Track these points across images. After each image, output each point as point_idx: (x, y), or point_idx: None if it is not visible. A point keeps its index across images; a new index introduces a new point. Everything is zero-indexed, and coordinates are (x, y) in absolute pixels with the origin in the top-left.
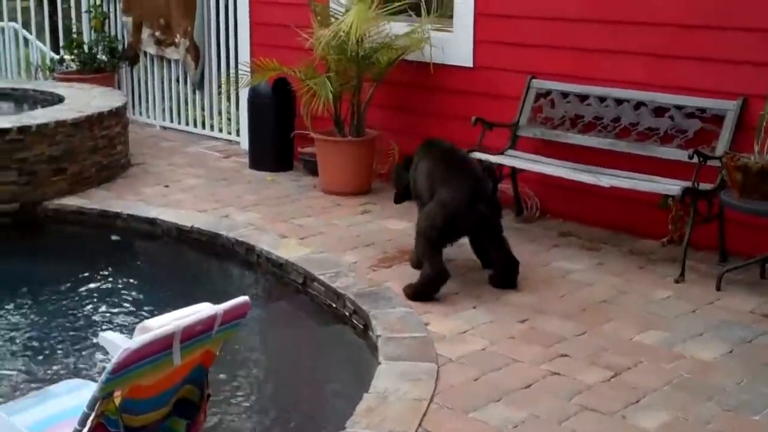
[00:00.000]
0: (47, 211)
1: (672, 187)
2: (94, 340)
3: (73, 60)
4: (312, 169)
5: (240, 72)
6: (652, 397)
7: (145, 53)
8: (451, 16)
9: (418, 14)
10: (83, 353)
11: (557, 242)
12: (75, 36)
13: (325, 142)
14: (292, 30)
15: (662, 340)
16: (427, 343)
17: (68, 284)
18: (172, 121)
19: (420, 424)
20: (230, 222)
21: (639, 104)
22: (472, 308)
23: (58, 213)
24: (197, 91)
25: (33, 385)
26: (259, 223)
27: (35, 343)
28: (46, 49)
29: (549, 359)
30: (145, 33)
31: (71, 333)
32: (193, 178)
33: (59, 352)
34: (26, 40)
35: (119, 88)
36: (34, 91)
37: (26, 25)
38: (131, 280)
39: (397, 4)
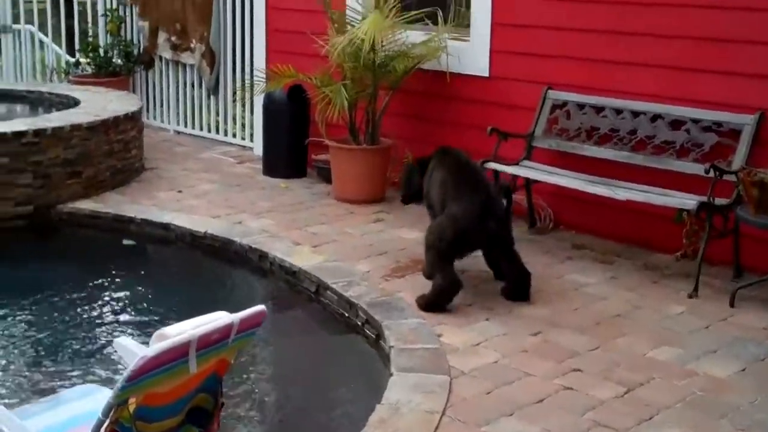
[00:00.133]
0: (61, 214)
1: (688, 201)
2: (107, 345)
3: (88, 63)
4: (325, 176)
5: (255, 78)
6: (665, 415)
7: (161, 58)
8: (468, 26)
9: (435, 23)
10: (96, 358)
11: (570, 254)
12: (91, 39)
13: (339, 150)
14: (308, 37)
15: (675, 357)
16: (440, 354)
17: (81, 288)
18: (186, 125)
19: None
20: (244, 228)
21: (655, 117)
22: (485, 320)
23: (72, 216)
24: (212, 96)
25: (45, 390)
26: (272, 230)
27: (48, 347)
28: (62, 52)
29: (562, 374)
30: (161, 38)
31: (84, 337)
32: (207, 183)
33: (72, 356)
34: (42, 43)
35: (134, 92)
36: (49, 93)
37: (42, 27)
38: (144, 286)
39: (413, 12)
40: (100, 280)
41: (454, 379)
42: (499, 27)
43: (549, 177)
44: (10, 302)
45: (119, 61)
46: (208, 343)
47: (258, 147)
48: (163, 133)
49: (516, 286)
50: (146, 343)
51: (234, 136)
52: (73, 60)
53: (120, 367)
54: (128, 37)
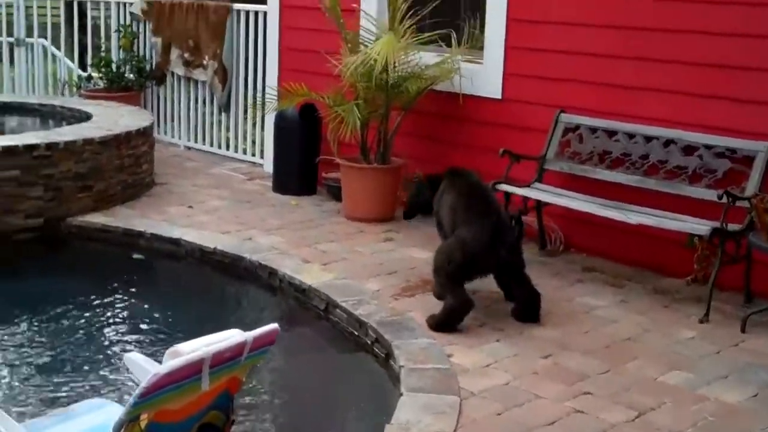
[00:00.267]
0: (71, 227)
1: (700, 226)
2: (117, 360)
3: (101, 78)
4: (335, 194)
5: (267, 96)
6: None
7: (173, 73)
8: (482, 48)
9: (449, 45)
10: (105, 372)
11: (581, 277)
12: (103, 54)
13: (350, 169)
14: (320, 56)
15: (686, 381)
16: (451, 375)
17: (90, 302)
18: (196, 141)
19: None
20: (253, 245)
21: (668, 142)
22: (496, 341)
23: (82, 230)
24: (223, 113)
25: (54, 404)
26: (282, 247)
27: (57, 361)
28: (74, 66)
29: (572, 396)
30: (174, 54)
31: (93, 352)
32: (217, 199)
33: (81, 370)
34: (54, 57)
35: (145, 107)
36: (61, 107)
37: (54, 41)
38: (153, 301)
39: (427, 34)
40: (109, 294)
41: (464, 400)
42: (512, 50)
43: (561, 200)
44: (19, 315)
45: (131, 76)
46: (221, 360)
47: (268, 164)
48: (174, 148)
49: (526, 307)
50: (156, 359)
51: (244, 152)
52: (85, 74)
53: (129, 381)
54: (141, 52)
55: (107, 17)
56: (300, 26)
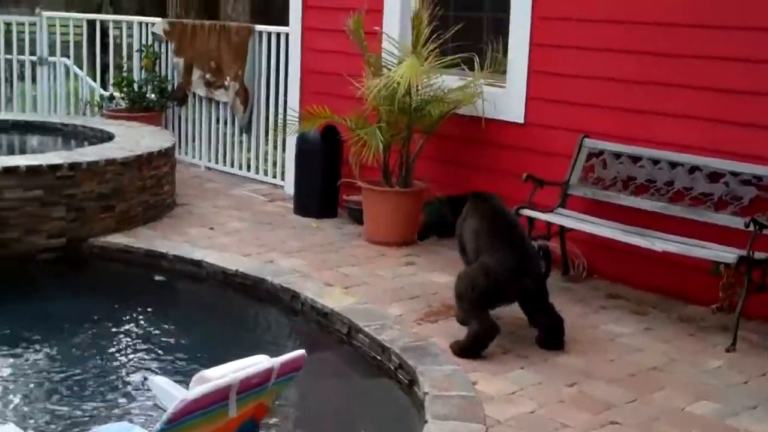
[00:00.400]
0: (93, 248)
1: (727, 254)
2: (140, 383)
3: (122, 98)
4: (356, 217)
5: (289, 118)
6: None
7: (194, 94)
8: (504, 72)
9: (471, 69)
10: (129, 395)
11: (605, 304)
12: (125, 74)
13: (371, 192)
14: (343, 78)
15: (715, 412)
16: (476, 403)
17: (113, 324)
18: (216, 162)
19: None
20: (275, 267)
21: (693, 168)
22: (520, 369)
23: (104, 250)
24: (244, 134)
25: (78, 427)
26: (303, 269)
27: (79, 383)
28: (96, 85)
29: (599, 426)
30: (196, 75)
31: (115, 374)
32: (238, 221)
33: (104, 393)
34: (76, 76)
35: (165, 127)
36: (83, 127)
37: (76, 60)
38: (176, 323)
39: (449, 57)
40: (131, 316)
41: (489, 428)
42: (535, 74)
43: (585, 226)
44: (42, 335)
45: (153, 96)
46: (248, 387)
47: (288, 186)
48: (194, 169)
49: (550, 334)
50: (179, 382)
51: (265, 174)
52: (107, 94)
53: (152, 404)
54: (163, 73)
55: (129, 36)
56: (322, 48)
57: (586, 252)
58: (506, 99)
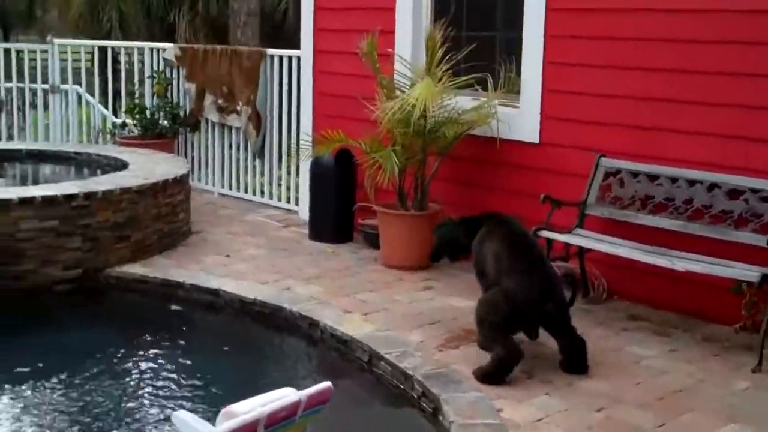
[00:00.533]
0: (109, 278)
1: (750, 273)
2: (158, 416)
3: (135, 125)
4: (372, 241)
5: (302, 143)
6: None
7: (206, 120)
8: (518, 92)
9: (485, 88)
10: (146, 429)
11: (626, 326)
12: (137, 101)
13: (387, 215)
14: (355, 101)
15: None
16: (502, 431)
17: (131, 355)
18: (230, 188)
19: None
20: (292, 295)
21: (713, 186)
22: (545, 395)
23: (120, 280)
24: (257, 159)
25: None
26: (321, 296)
27: (96, 416)
28: (108, 112)
29: None
30: (208, 100)
31: (135, 408)
32: (253, 247)
33: (121, 426)
34: (88, 103)
35: (178, 153)
36: (97, 155)
37: (88, 87)
38: (195, 354)
39: (463, 78)
40: (150, 347)
41: None
42: (549, 93)
43: (605, 246)
44: (58, 368)
45: (165, 123)
46: (275, 420)
47: (303, 211)
48: (208, 195)
49: (572, 358)
50: (201, 415)
51: (279, 199)
52: (119, 121)
53: None
54: (175, 99)
55: (140, 62)
56: (334, 71)
57: (604, 272)
58: (520, 119)
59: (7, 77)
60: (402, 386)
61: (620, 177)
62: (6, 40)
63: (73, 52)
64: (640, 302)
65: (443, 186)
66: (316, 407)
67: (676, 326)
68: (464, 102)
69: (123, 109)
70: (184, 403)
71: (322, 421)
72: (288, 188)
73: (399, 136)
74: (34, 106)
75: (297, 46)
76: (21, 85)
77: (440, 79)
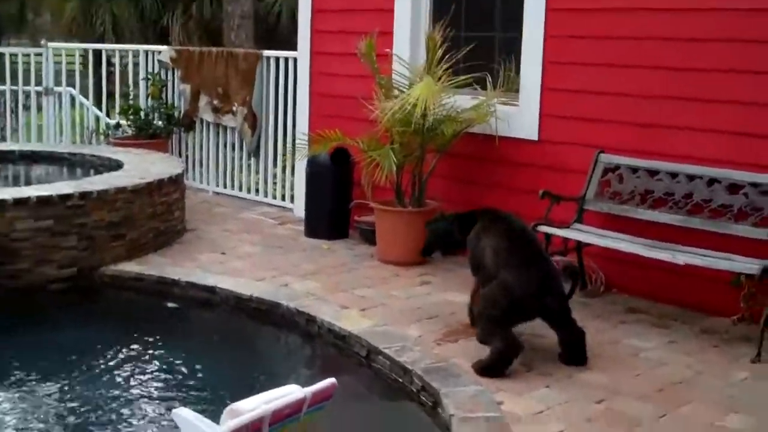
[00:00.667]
0: (104, 276)
1: (751, 265)
2: (156, 414)
3: (129, 125)
4: (368, 237)
5: (299, 141)
6: None
7: (201, 120)
8: (517, 90)
9: (484, 87)
10: (144, 427)
11: (625, 318)
12: (132, 102)
13: (384, 212)
14: (352, 101)
15: (747, 425)
16: (503, 424)
17: (128, 354)
18: (225, 186)
19: None
20: (289, 291)
21: (712, 180)
22: (545, 387)
23: (115, 279)
24: (252, 158)
25: None
26: (318, 292)
27: (96, 416)
28: (101, 114)
29: None
30: (203, 101)
31: (132, 405)
32: (249, 245)
33: (123, 426)
34: (81, 105)
35: (172, 153)
36: (91, 156)
37: (82, 89)
38: (192, 351)
39: (462, 77)
40: (147, 345)
41: None
42: (549, 91)
43: (605, 241)
44: (53, 366)
45: (160, 123)
46: (280, 418)
47: (298, 208)
48: (202, 194)
49: (572, 350)
50: (201, 412)
51: (273, 197)
52: (113, 122)
53: None
54: (169, 100)
55: (135, 65)
56: (331, 72)
57: (601, 266)
58: (520, 117)
59: (1, 80)
60: (401, 380)
61: (619, 173)
62: None
63: (67, 55)
64: (638, 295)
65: (441, 183)
66: (320, 404)
67: (675, 318)
68: (463, 101)
69: (117, 110)
70: (183, 400)
71: (324, 416)
72: (283, 186)
73: (397, 134)
74: (27, 107)
75: (291, 48)
76: (14, 87)
77: (440, 78)
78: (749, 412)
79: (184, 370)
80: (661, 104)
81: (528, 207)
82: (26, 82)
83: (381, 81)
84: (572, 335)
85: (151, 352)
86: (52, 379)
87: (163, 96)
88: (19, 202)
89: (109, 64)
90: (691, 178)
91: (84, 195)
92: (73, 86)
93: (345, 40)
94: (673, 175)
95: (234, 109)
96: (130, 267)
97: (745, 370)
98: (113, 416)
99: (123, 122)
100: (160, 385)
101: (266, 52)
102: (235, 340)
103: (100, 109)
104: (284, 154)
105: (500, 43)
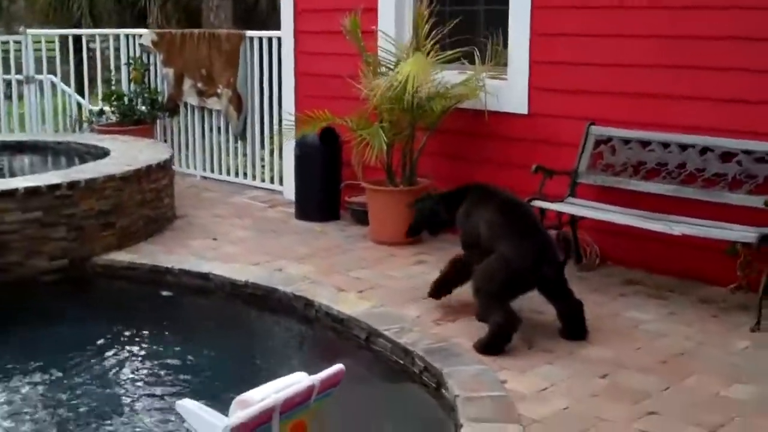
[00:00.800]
0: (96, 266)
1: (747, 234)
2: (160, 405)
3: (113, 112)
4: (360, 218)
5: (286, 122)
6: None
7: (186, 104)
8: (505, 64)
9: (471, 62)
10: (151, 419)
11: (622, 291)
12: (114, 87)
13: (376, 192)
14: (338, 80)
15: (751, 394)
16: (509, 402)
17: (125, 344)
18: (212, 171)
19: None
20: (284, 276)
21: (705, 149)
22: (548, 364)
23: (107, 269)
24: (239, 141)
25: None
26: (314, 276)
27: (97, 409)
28: (84, 101)
29: (638, 417)
30: (187, 84)
31: (135, 397)
32: (240, 229)
33: (125, 416)
34: (63, 92)
35: (157, 138)
36: (77, 144)
37: (63, 76)
38: (189, 340)
39: (450, 52)
40: (143, 336)
41: (526, 428)
42: (537, 64)
43: (599, 213)
44: (49, 360)
45: (143, 108)
46: (290, 406)
47: (288, 191)
48: (190, 179)
49: (571, 322)
50: (204, 403)
51: (262, 180)
52: (96, 109)
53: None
54: (152, 84)
55: (116, 49)
56: (315, 51)
57: (595, 239)
58: (508, 91)
59: None
60: (402, 362)
61: (611, 144)
62: None
63: (46, 42)
64: (634, 267)
65: (432, 160)
66: (327, 391)
67: (672, 289)
68: (451, 76)
69: (100, 96)
70: (184, 391)
71: (330, 402)
72: (271, 169)
73: (386, 112)
74: (8, 96)
75: (270, 28)
76: None
77: (428, 54)
78: (753, 381)
79: (183, 359)
80: (651, 74)
81: (520, 181)
82: (6, 71)
83: (368, 59)
84: (570, 307)
85: (148, 341)
86: (50, 373)
87: (146, 80)
88: (7, 194)
89: (89, 49)
90: (683, 147)
91: (72, 185)
92: (54, 74)
93: (329, 18)
94: (666, 145)
95: (219, 91)
96: (122, 256)
97: (745, 339)
98: (114, 408)
99: (106, 109)
100: (159, 375)
101: (249, 33)
102: (233, 327)
103: (83, 96)
104: (271, 136)
105: (486, 17)
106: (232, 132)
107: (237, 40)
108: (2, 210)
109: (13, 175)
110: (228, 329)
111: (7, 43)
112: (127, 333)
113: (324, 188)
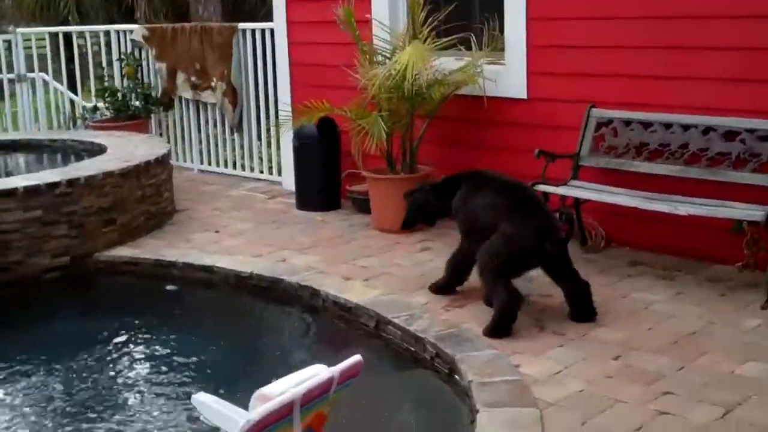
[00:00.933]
0: (98, 263)
1: (754, 212)
2: (174, 399)
3: (107, 108)
4: (362, 207)
5: (282, 114)
6: None
7: (180, 98)
8: (503, 50)
9: (468, 48)
10: (164, 415)
11: (629, 272)
12: (107, 83)
13: (377, 180)
14: (333, 69)
15: (766, 372)
16: (524, 386)
17: (132, 340)
18: (210, 164)
19: None
20: (289, 266)
21: (708, 129)
22: (560, 347)
23: (109, 265)
24: (235, 133)
25: None
26: (319, 265)
27: (99, 404)
28: (77, 98)
29: (653, 398)
30: (180, 78)
31: (147, 392)
32: (241, 221)
33: (137, 412)
34: (55, 90)
35: (153, 133)
36: (72, 141)
37: (55, 74)
38: (197, 334)
39: (446, 39)
40: (150, 329)
41: (543, 412)
42: (534, 49)
43: (604, 196)
44: (53, 359)
45: (137, 103)
46: (310, 399)
47: (287, 181)
48: (187, 172)
49: (579, 303)
50: (219, 396)
51: (261, 171)
52: (90, 105)
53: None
54: (146, 79)
55: (107, 44)
56: (309, 41)
57: (600, 221)
58: (507, 76)
59: None
60: (413, 349)
61: (613, 126)
62: None
63: (38, 39)
64: (639, 248)
65: (432, 148)
66: (346, 382)
67: (679, 269)
68: (448, 63)
69: (93, 93)
70: (197, 384)
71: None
72: (270, 160)
73: (384, 101)
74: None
75: (259, 20)
76: None
77: (425, 41)
78: (764, 359)
79: (192, 352)
80: (650, 54)
81: (522, 166)
82: None
83: (363, 47)
84: (577, 288)
85: (155, 335)
86: (58, 370)
87: (139, 75)
88: (6, 194)
89: (80, 46)
90: (685, 128)
91: (72, 182)
92: (46, 71)
93: (321, 8)
94: (667, 125)
95: (213, 84)
96: (124, 252)
97: (756, 317)
98: (124, 403)
99: (100, 105)
100: (170, 369)
101: (241, 25)
102: (240, 318)
103: (75, 93)
104: (268, 129)
105: (480, 2)
106: (228, 124)
107: (229, 33)
108: (2, 209)
109: (9, 174)
110: (235, 321)
111: None
112: (133, 327)
113: (324, 178)
